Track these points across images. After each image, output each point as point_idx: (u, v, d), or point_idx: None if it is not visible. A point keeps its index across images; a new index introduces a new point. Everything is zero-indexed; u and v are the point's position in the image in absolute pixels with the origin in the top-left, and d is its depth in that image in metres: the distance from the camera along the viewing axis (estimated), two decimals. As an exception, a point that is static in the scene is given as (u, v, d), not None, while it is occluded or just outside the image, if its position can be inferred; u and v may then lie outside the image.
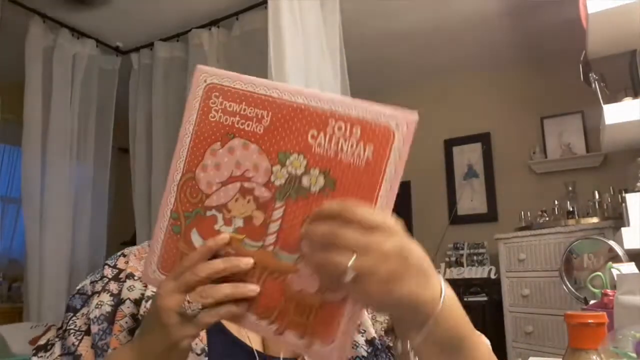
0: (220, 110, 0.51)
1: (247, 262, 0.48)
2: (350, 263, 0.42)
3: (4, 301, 3.30)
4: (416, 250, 0.45)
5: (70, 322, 0.65)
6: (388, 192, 0.46)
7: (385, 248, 0.42)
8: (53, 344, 0.65)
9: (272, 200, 0.48)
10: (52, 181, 2.61)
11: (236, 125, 0.50)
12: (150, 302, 0.63)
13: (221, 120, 0.51)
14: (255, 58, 2.39)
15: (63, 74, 2.71)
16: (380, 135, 0.46)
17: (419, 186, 3.53)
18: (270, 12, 2.13)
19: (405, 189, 3.60)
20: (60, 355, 0.63)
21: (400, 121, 0.47)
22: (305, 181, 0.48)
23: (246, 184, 0.49)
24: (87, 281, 0.70)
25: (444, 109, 3.64)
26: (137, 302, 0.64)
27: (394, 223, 0.44)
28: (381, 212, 0.45)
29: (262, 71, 2.15)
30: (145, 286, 0.66)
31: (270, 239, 0.48)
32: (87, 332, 0.64)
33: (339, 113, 0.47)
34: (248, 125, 0.50)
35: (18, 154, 3.35)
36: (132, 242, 3.13)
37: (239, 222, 0.49)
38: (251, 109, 0.50)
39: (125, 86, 2.99)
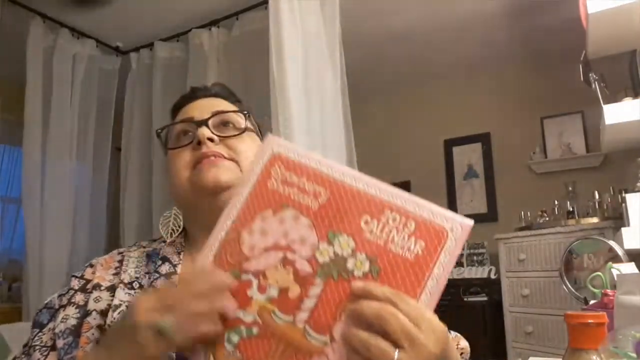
0: (279, 180, 0.52)
1: (226, 279, 0.49)
2: (396, 355, 0.42)
3: (4, 301, 3.29)
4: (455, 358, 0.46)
5: (36, 338, 0.64)
6: (433, 289, 0.46)
7: (431, 348, 0.43)
8: None
9: (313, 276, 0.48)
10: (52, 181, 2.61)
11: (292, 197, 0.51)
12: (117, 311, 0.62)
13: (278, 190, 0.52)
14: (255, 58, 2.39)
15: (63, 74, 2.71)
16: (434, 234, 0.47)
17: (419, 186, 3.53)
18: (271, 11, 2.13)
19: (405, 188, 3.56)
20: None
21: (456, 224, 0.47)
22: (350, 263, 0.47)
23: (289, 255, 0.49)
24: (55, 295, 0.70)
25: (444, 109, 3.64)
26: (103, 313, 0.64)
27: (440, 324, 0.45)
28: (430, 310, 0.45)
29: (262, 71, 2.15)
30: (112, 296, 0.65)
31: (303, 315, 0.47)
32: (53, 347, 0.63)
33: (397, 205, 0.48)
34: (303, 199, 0.51)
35: (18, 154, 3.34)
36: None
37: (274, 292, 0.48)
38: (310, 184, 0.51)
39: (125, 86, 2.99)
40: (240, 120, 0.76)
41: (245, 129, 0.75)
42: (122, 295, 0.65)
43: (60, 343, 0.62)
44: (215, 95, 0.80)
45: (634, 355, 0.59)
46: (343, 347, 0.45)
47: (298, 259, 0.49)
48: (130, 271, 0.69)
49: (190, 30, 2.72)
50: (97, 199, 2.91)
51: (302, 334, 0.46)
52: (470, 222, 0.47)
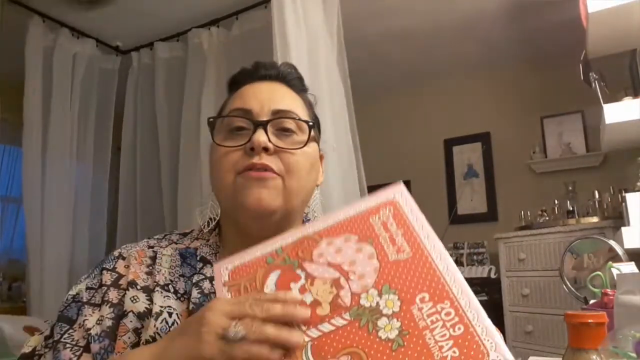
0: (381, 221, 0.54)
1: (304, 314, 0.48)
2: None
3: (4, 301, 3.30)
4: None
5: (66, 334, 0.60)
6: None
7: None
8: (41, 355, 0.61)
9: (346, 310, 0.49)
10: (52, 181, 2.61)
11: (380, 239, 0.53)
12: (159, 320, 0.59)
13: (375, 227, 0.54)
14: (255, 57, 2.37)
15: (63, 74, 2.71)
16: (474, 352, 0.45)
17: (419, 186, 3.53)
18: (274, 11, 2.13)
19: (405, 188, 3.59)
20: None
21: (500, 356, 0.45)
22: (382, 321, 0.48)
23: (342, 281, 0.51)
24: (82, 286, 0.65)
25: (444, 109, 3.64)
26: (140, 317, 0.60)
27: None
28: None
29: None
30: (149, 299, 0.62)
31: (314, 333, 0.48)
32: (87, 348, 0.59)
33: (459, 304, 0.47)
34: (388, 247, 0.52)
35: (18, 154, 3.34)
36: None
37: (308, 299, 0.50)
38: (401, 239, 0.53)
39: (125, 86, 2.99)
40: (303, 128, 0.69)
41: (307, 143, 0.68)
42: (160, 300, 0.61)
43: (96, 347, 0.58)
44: (281, 78, 0.73)
45: (634, 355, 0.59)
46: None
47: (346, 288, 0.50)
48: (164, 272, 0.65)
49: (190, 30, 2.72)
50: (97, 199, 2.91)
51: (302, 349, 0.47)
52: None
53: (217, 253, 0.69)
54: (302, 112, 0.71)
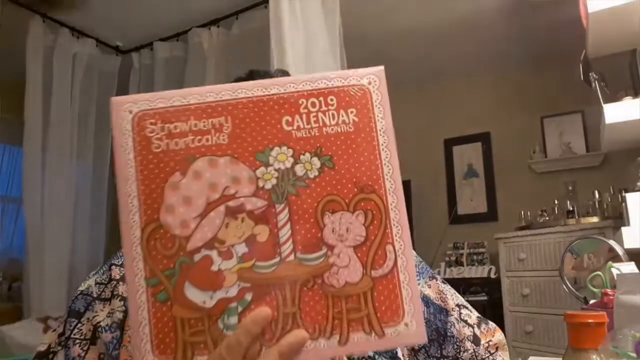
0: (164, 137, 0.42)
1: (265, 314, 0.40)
2: None
3: (4, 301, 3.30)
4: None
5: (75, 329, 0.61)
6: (387, 143, 0.45)
7: None
8: (55, 353, 0.61)
9: (271, 207, 0.42)
10: (52, 181, 2.61)
11: (192, 145, 0.42)
12: None
13: (170, 147, 0.42)
14: (255, 57, 2.39)
15: (63, 74, 2.71)
16: (358, 97, 0.44)
17: (419, 186, 3.53)
18: (271, 11, 2.13)
19: (405, 188, 3.57)
20: None
21: (371, 77, 0.45)
22: (299, 170, 0.42)
23: (232, 203, 0.42)
24: (92, 281, 0.65)
25: (444, 109, 3.64)
26: None
27: None
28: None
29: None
30: None
31: (286, 248, 0.42)
32: (93, 340, 0.60)
33: (307, 90, 0.44)
34: (207, 140, 0.42)
35: (18, 154, 3.34)
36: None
37: (241, 249, 0.41)
38: (204, 121, 0.43)
39: (125, 86, 2.99)
40: None
41: None
42: None
43: (108, 337, 0.59)
44: None
45: (634, 355, 0.59)
46: (344, 247, 0.42)
47: (244, 200, 0.42)
48: None
49: (190, 30, 2.72)
50: (97, 199, 2.91)
51: (297, 265, 0.41)
52: (380, 68, 0.45)
53: None
54: None
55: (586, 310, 1.04)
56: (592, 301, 1.14)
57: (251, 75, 0.75)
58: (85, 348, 0.59)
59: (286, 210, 0.42)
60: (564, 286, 1.36)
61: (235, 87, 0.44)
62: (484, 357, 0.71)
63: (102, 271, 0.67)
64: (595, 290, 1.13)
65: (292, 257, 0.41)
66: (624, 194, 1.83)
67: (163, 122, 0.42)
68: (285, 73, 0.78)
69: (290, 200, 0.42)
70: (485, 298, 2.96)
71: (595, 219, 2.56)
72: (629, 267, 1.12)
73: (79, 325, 0.61)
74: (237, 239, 0.41)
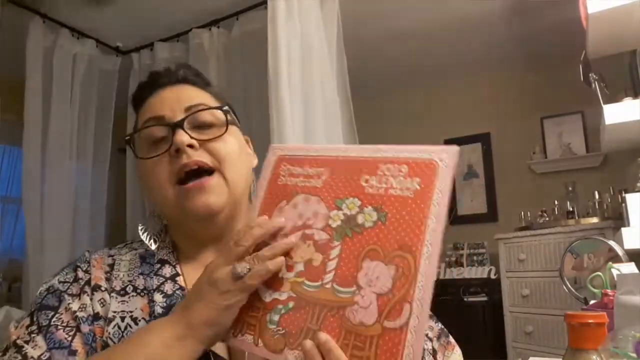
0: (287, 175, 0.58)
1: (288, 241, 0.54)
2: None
3: (4, 301, 3.29)
4: None
5: (54, 319, 0.60)
6: (437, 213, 0.49)
7: None
8: (27, 341, 0.58)
9: (330, 241, 0.52)
10: (52, 181, 2.60)
11: (299, 184, 0.57)
12: (112, 325, 0.61)
13: (287, 183, 0.58)
14: (255, 58, 2.39)
15: (63, 74, 2.70)
16: (425, 168, 0.51)
17: (419, 186, 3.53)
18: (269, 12, 2.13)
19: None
20: (49, 349, 0.57)
21: (442, 154, 0.51)
22: (360, 219, 0.52)
23: (307, 231, 0.54)
24: (55, 281, 0.65)
25: (444, 109, 3.64)
26: (96, 318, 0.61)
27: None
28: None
29: (262, 71, 2.15)
30: (103, 305, 0.62)
31: (328, 277, 0.51)
32: (78, 328, 0.60)
33: (387, 157, 0.54)
34: (309, 182, 0.57)
35: (18, 154, 3.34)
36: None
37: (300, 267, 0.53)
38: (312, 169, 0.57)
39: (125, 86, 2.98)
40: (220, 117, 0.69)
41: (227, 127, 0.68)
42: (115, 305, 0.62)
43: (86, 328, 0.60)
44: (182, 80, 0.73)
45: (634, 355, 0.59)
46: (370, 291, 0.48)
47: (315, 231, 0.54)
48: (121, 275, 0.66)
49: (190, 30, 2.72)
50: (97, 199, 2.91)
51: (331, 293, 0.50)
52: (455, 148, 0.51)
53: (174, 251, 0.70)
54: (213, 103, 0.71)
55: (586, 310, 1.04)
56: (592, 301, 1.14)
57: (154, 79, 0.75)
58: (71, 334, 0.60)
59: (339, 247, 0.52)
60: (564, 287, 1.37)
61: (338, 147, 0.58)
62: None
63: (64, 272, 0.67)
64: (595, 291, 1.13)
65: (329, 285, 0.51)
66: (623, 194, 1.83)
67: (290, 164, 0.59)
68: (187, 66, 0.77)
69: (344, 240, 0.52)
70: (485, 299, 2.96)
71: (595, 220, 2.56)
72: (629, 268, 1.12)
73: (57, 315, 0.61)
74: (300, 258, 0.53)
